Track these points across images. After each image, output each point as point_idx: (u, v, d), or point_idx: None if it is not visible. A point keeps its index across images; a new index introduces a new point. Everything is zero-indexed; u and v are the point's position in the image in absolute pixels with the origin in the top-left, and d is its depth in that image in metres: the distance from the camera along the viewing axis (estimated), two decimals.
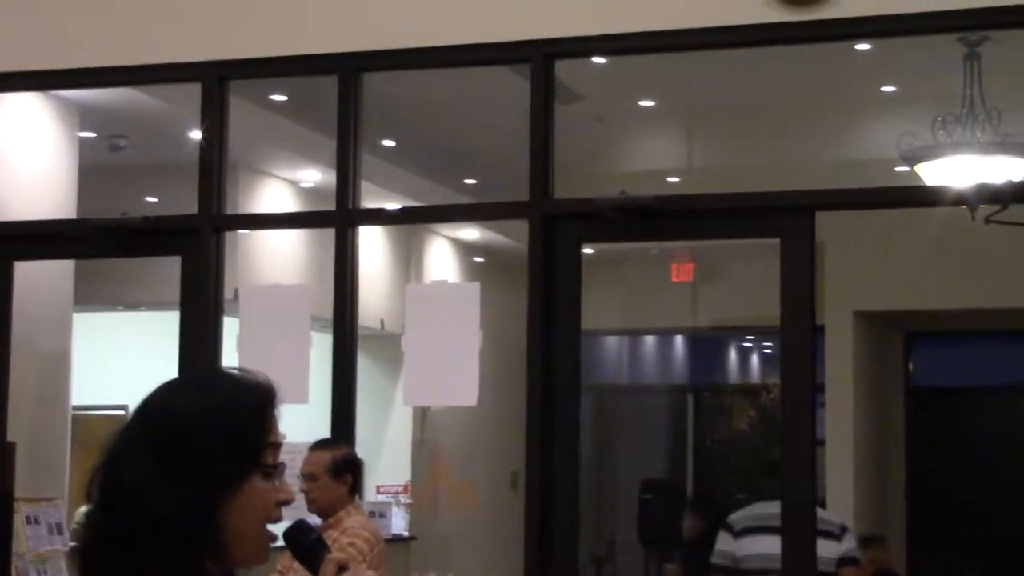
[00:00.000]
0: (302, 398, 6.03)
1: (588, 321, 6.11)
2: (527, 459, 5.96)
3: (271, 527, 2.05)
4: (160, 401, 2.03)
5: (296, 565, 5.59)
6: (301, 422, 7.69)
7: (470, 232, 11.81)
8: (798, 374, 5.79)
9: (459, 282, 6.23)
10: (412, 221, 8.81)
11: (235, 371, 2.09)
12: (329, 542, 5.75)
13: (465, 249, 12.19)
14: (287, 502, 2.04)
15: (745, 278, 10.70)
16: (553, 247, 6.04)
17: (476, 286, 6.21)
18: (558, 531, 5.96)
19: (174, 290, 6.44)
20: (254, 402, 2.03)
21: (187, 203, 6.49)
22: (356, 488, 5.87)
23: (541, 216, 6.03)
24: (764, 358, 15.73)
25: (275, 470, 2.03)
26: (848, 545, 6.02)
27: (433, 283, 7.69)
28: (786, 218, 5.82)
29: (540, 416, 5.95)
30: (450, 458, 11.66)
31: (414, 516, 11.23)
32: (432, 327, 6.10)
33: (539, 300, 6.01)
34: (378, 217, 7.18)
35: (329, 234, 6.41)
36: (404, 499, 11.21)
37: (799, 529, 5.67)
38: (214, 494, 1.96)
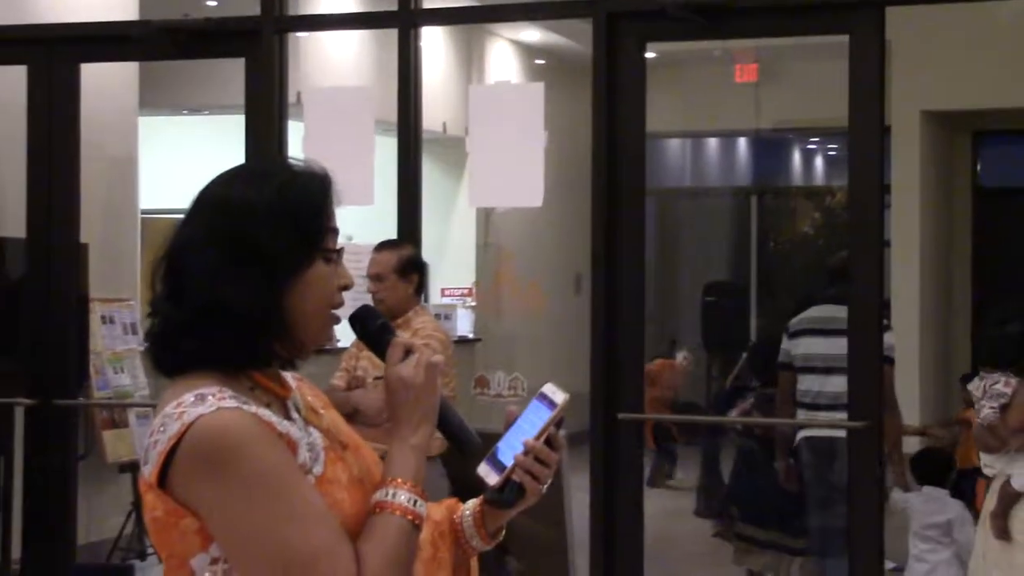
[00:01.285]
0: (367, 199, 6.04)
1: (650, 124, 6.04)
2: (592, 262, 5.96)
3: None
4: (219, 192, 2.04)
5: (362, 361, 5.69)
6: (366, 225, 7.75)
7: (531, 34, 11.66)
8: (866, 175, 5.71)
9: (523, 82, 6.12)
10: (474, 20, 8.66)
11: (290, 160, 2.10)
12: None
13: (526, 51, 12.06)
14: (348, 286, 2.07)
15: (809, 78, 10.55)
16: (617, 47, 5.94)
17: (540, 86, 6.14)
18: (623, 333, 5.98)
19: (237, 93, 6.42)
20: (312, 189, 2.04)
21: (247, 5, 6.44)
22: (421, 288, 5.90)
23: (605, 15, 5.91)
24: (828, 160, 15.56)
25: (336, 255, 2.05)
26: (886, 343, 6.08)
27: (497, 84, 7.60)
28: (855, 13, 5.68)
29: (605, 219, 5.93)
30: (514, 261, 11.71)
31: (479, 318, 11.34)
32: (496, 128, 6.05)
33: (603, 101, 5.93)
34: (440, 17, 7.09)
35: (389, 37, 6.34)
36: (469, 301, 11.32)
37: (866, 330, 5.66)
38: (278, 280, 1.98)
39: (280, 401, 2.05)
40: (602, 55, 5.92)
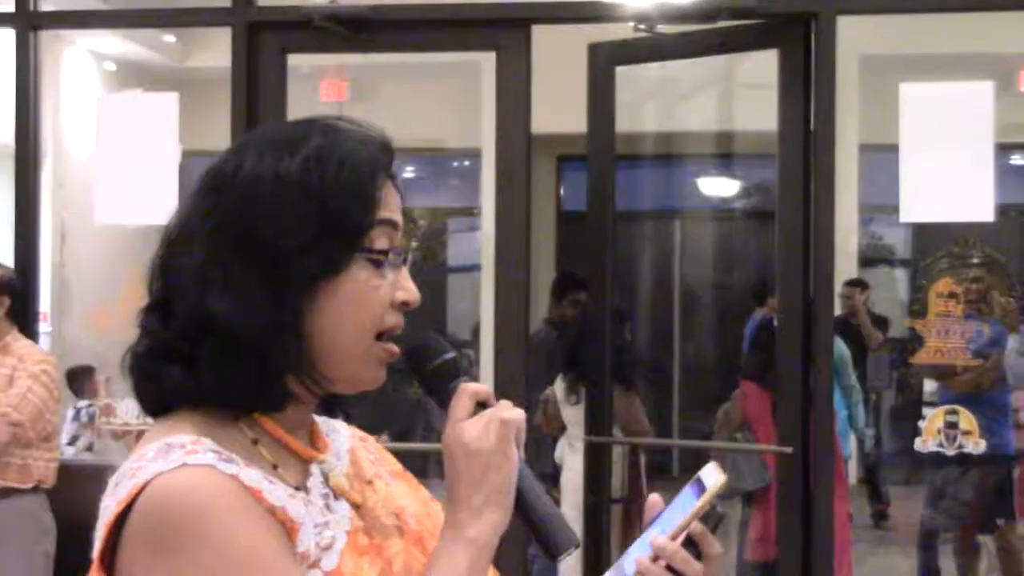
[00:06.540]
0: None
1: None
2: None
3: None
4: (227, 162, 1.47)
5: None
6: None
7: (110, 42, 10.97)
8: (514, 197, 5.80)
9: (156, 94, 5.63)
10: (109, 26, 7.83)
11: (343, 121, 1.50)
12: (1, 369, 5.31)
13: (104, 61, 11.36)
14: (407, 303, 1.48)
15: (400, 98, 10.44)
16: (257, 57, 5.75)
17: (174, 96, 5.83)
18: None
19: None
20: (357, 161, 1.45)
21: None
22: (14, 312, 5.73)
23: (245, 24, 5.75)
24: (409, 182, 15.56)
25: (390, 258, 1.47)
26: None
27: (127, 94, 7.07)
28: (504, 30, 5.73)
29: None
30: (89, 283, 11.05)
31: (54, 344, 10.59)
32: (127, 140, 5.70)
33: (243, 113, 5.71)
34: (66, 20, 6.51)
35: None
36: (44, 327, 10.55)
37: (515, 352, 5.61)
38: (295, 289, 1.42)
39: (301, 463, 1.49)
40: (241, 65, 5.71)
